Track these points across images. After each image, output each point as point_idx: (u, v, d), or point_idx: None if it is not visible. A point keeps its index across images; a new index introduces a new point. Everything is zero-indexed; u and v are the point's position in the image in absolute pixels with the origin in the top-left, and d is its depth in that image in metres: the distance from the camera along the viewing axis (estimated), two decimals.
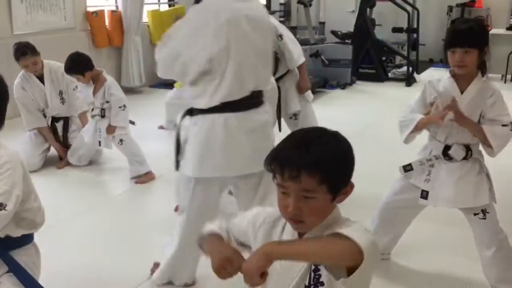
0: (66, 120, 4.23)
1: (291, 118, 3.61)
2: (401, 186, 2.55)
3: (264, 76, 2.32)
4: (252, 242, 1.39)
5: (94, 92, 3.82)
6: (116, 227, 3.17)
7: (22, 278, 1.75)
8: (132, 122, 3.99)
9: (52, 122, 4.28)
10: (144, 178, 3.85)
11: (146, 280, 2.57)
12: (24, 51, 3.94)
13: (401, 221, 2.65)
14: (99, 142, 3.88)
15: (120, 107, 3.78)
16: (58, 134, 4.26)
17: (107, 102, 3.80)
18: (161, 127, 5.23)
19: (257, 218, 1.40)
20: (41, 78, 4.10)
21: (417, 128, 2.42)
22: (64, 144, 4.23)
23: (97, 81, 3.83)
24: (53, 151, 4.29)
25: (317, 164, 1.17)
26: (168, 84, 7.09)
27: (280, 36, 3.38)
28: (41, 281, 1.89)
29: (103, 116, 3.84)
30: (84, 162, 4.13)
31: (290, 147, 1.21)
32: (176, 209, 3.30)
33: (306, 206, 1.20)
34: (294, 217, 1.22)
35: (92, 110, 3.90)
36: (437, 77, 2.44)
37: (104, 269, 2.70)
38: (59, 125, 4.27)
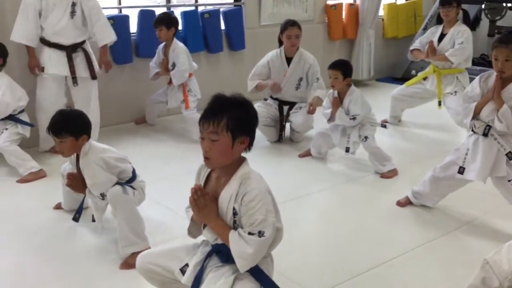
0: (292, 105, 4.52)
1: None
2: None
3: None
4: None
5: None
6: (341, 214, 3.25)
7: (260, 278, 1.89)
8: (383, 126, 3.99)
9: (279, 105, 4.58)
10: (388, 174, 3.87)
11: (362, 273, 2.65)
12: (293, 22, 4.47)
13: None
14: (347, 148, 3.88)
15: None
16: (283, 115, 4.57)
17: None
18: (385, 121, 5.13)
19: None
20: (288, 60, 4.47)
21: None
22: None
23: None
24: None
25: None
26: (396, 79, 7.02)
27: None
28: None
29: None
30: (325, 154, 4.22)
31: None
32: (399, 203, 3.27)
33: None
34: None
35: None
36: None
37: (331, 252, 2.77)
38: (286, 108, 4.56)
